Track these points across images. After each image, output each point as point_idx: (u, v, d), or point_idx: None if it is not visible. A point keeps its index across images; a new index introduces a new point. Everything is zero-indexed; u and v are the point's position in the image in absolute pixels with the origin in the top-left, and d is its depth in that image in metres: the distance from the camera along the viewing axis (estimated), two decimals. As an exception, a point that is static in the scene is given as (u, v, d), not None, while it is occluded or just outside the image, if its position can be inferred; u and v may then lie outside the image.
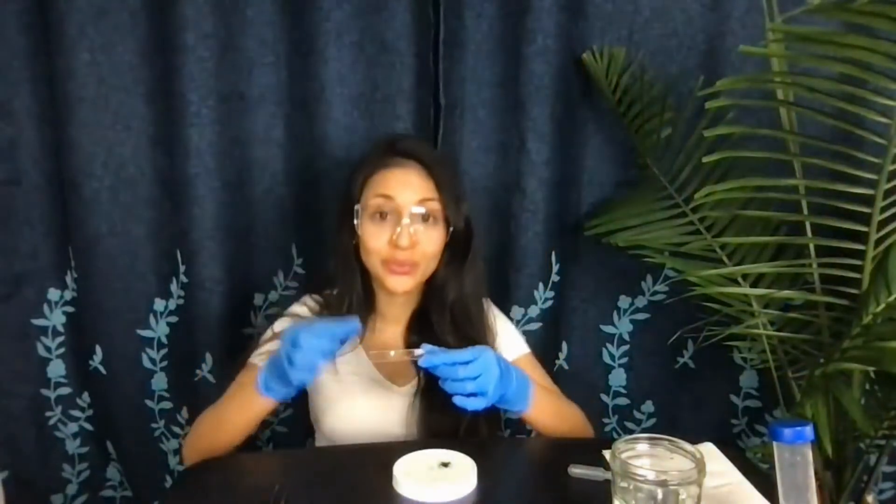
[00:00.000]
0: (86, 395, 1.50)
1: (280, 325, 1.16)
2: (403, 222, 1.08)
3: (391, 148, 1.16)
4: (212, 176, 1.35)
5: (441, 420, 1.10)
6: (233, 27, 1.33)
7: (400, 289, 1.11)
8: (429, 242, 1.11)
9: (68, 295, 1.46)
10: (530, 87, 1.34)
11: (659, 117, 1.30)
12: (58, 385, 1.48)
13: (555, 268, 1.44)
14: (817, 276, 1.24)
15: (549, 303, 1.45)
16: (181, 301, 1.44)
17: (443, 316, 1.17)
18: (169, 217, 1.41)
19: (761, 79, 1.27)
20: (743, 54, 1.27)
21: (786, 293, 1.26)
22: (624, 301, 1.48)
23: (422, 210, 1.10)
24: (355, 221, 1.12)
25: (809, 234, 1.21)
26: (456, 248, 1.16)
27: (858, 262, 1.15)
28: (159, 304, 1.45)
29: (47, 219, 1.41)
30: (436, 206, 1.11)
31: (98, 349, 1.44)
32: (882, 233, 1.13)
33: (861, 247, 1.14)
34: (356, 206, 1.12)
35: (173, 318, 1.46)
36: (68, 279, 1.45)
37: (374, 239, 1.10)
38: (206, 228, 1.37)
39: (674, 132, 1.32)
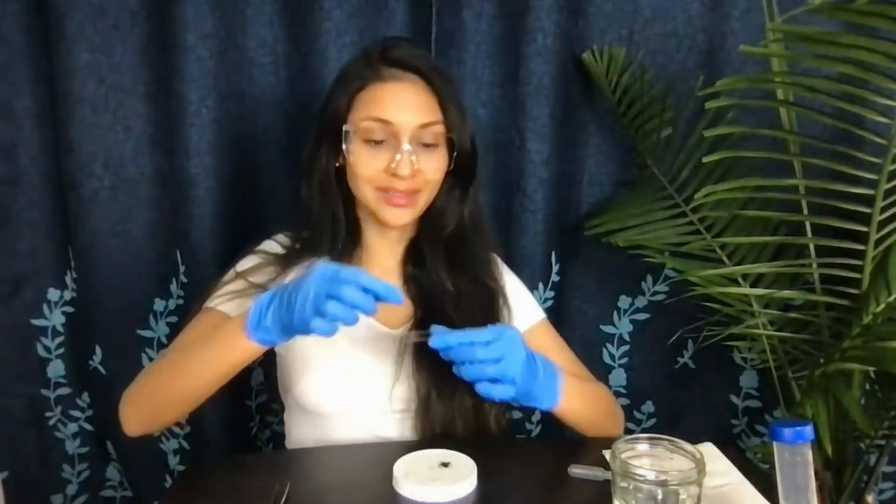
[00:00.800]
0: (85, 395, 1.50)
1: (245, 263, 1.03)
2: (404, 149, 0.95)
3: (384, 56, 0.99)
4: (212, 176, 1.35)
5: (439, 366, 0.94)
6: (233, 27, 1.33)
7: (398, 222, 1.00)
8: (432, 169, 0.98)
9: (68, 295, 1.45)
10: (530, 86, 1.34)
11: (659, 117, 1.30)
12: (58, 385, 1.48)
13: (555, 268, 1.44)
14: (817, 276, 1.24)
15: (549, 303, 1.45)
16: (181, 301, 1.44)
17: (436, 248, 1.04)
18: (168, 217, 1.41)
19: (761, 79, 1.27)
20: (743, 54, 1.27)
21: (786, 293, 1.26)
22: (624, 301, 1.48)
23: (424, 135, 0.97)
24: (343, 146, 0.98)
25: (809, 234, 1.21)
26: (459, 173, 1.03)
27: (858, 262, 1.15)
28: (159, 304, 1.45)
29: (47, 219, 1.41)
30: (439, 128, 0.98)
31: (98, 349, 1.44)
32: (882, 233, 1.13)
33: (861, 247, 1.14)
34: (344, 128, 0.98)
35: (173, 318, 1.46)
36: (68, 279, 1.45)
37: (368, 166, 0.97)
38: (206, 228, 1.36)
39: (674, 132, 1.32)
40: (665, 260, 1.30)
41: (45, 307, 1.44)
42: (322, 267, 0.80)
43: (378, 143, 0.97)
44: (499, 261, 1.13)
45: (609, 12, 1.35)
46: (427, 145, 0.98)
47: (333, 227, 1.03)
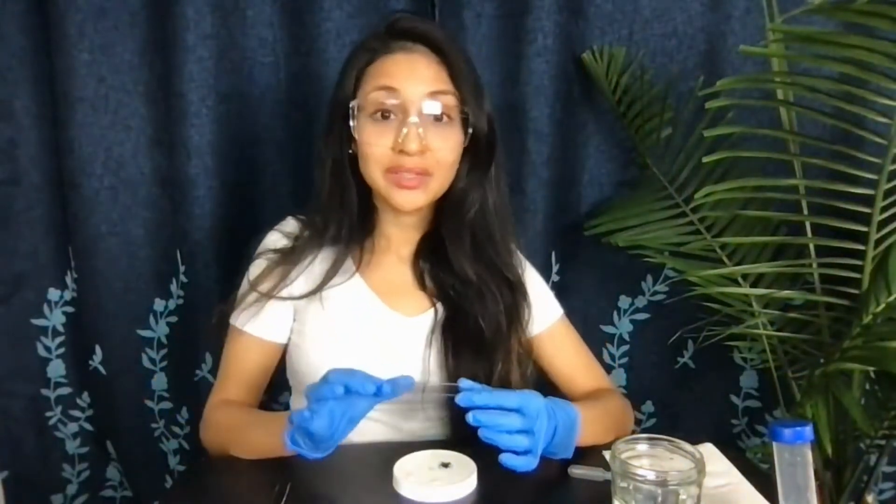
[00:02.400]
0: (86, 395, 1.50)
1: (255, 268, 1.01)
2: (410, 121, 0.89)
3: (393, 29, 0.96)
4: (212, 176, 1.35)
5: (470, 362, 0.94)
6: (233, 27, 1.33)
7: (409, 206, 0.95)
8: (443, 147, 0.93)
9: (68, 295, 1.45)
10: (530, 87, 1.34)
11: (659, 117, 1.30)
12: (58, 385, 1.48)
13: (555, 268, 1.44)
14: (817, 276, 1.24)
15: (549, 303, 1.44)
16: (181, 301, 1.44)
17: (460, 238, 0.99)
18: (169, 217, 1.41)
19: (761, 79, 1.27)
20: (743, 54, 1.27)
21: (786, 293, 1.26)
22: (624, 301, 1.48)
23: (434, 105, 0.91)
24: (351, 123, 0.93)
25: (809, 234, 1.21)
26: (477, 156, 0.97)
27: (858, 262, 1.15)
28: (159, 304, 1.45)
29: (47, 219, 1.41)
30: (451, 100, 0.92)
31: (98, 349, 1.44)
32: (882, 233, 1.13)
33: (861, 247, 1.14)
34: (351, 104, 0.93)
35: (173, 318, 1.46)
36: (68, 279, 1.45)
37: (375, 144, 0.92)
38: (206, 228, 1.37)
39: (674, 132, 1.32)
40: (665, 260, 1.30)
41: (45, 307, 1.44)
42: (315, 392, 0.80)
43: (385, 117, 0.92)
44: (518, 253, 1.08)
45: (609, 12, 1.35)
46: (438, 119, 0.93)
47: (342, 214, 0.99)
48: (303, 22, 1.34)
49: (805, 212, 1.21)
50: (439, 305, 1.01)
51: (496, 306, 1.00)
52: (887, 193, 1.10)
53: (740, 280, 1.28)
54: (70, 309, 1.46)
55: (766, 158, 1.18)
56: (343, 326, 0.99)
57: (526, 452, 0.83)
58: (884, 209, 1.12)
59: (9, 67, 1.34)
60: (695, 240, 1.30)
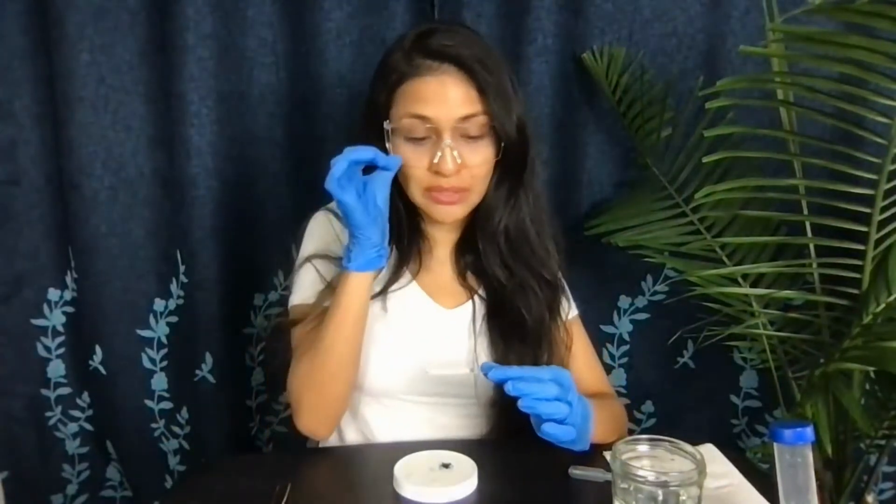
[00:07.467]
0: (86, 395, 1.50)
1: (318, 275, 1.03)
2: (444, 144, 0.92)
3: (418, 47, 0.94)
4: (212, 176, 1.35)
5: (517, 349, 0.99)
6: (233, 27, 1.33)
7: (449, 219, 0.99)
8: (477, 162, 0.95)
9: (68, 295, 1.45)
10: (530, 87, 1.34)
11: (659, 117, 1.30)
12: (58, 385, 1.48)
13: (555, 268, 1.44)
14: (817, 276, 1.24)
15: (549, 303, 1.44)
16: (181, 301, 1.44)
17: (492, 244, 1.02)
18: (169, 217, 1.41)
19: (761, 79, 1.27)
20: (743, 54, 1.27)
21: (786, 293, 1.26)
22: (624, 301, 1.48)
23: (466, 128, 0.93)
24: (387, 144, 0.95)
25: (809, 234, 1.21)
26: (508, 164, 0.99)
27: (858, 262, 1.15)
28: (159, 304, 1.45)
29: (47, 219, 1.41)
30: (482, 119, 0.93)
31: (98, 349, 1.44)
32: (882, 233, 1.13)
33: (861, 247, 1.14)
34: (385, 126, 0.95)
35: (173, 318, 1.46)
36: (68, 279, 1.45)
37: (413, 166, 0.94)
38: (206, 228, 1.37)
39: (674, 132, 1.32)
40: (665, 260, 1.30)
41: (45, 307, 1.44)
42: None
43: (420, 140, 0.94)
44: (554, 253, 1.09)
45: (609, 12, 1.35)
46: (471, 137, 0.94)
47: (396, 217, 1.00)
48: (303, 22, 1.33)
49: (805, 212, 1.21)
50: (476, 298, 1.05)
51: (537, 301, 1.03)
52: (887, 193, 1.10)
53: (740, 280, 1.28)
54: (70, 309, 1.46)
55: (766, 158, 1.18)
56: (396, 326, 1.01)
57: (563, 423, 0.85)
58: (884, 209, 1.12)
59: (9, 67, 1.34)
60: (695, 240, 1.29)
